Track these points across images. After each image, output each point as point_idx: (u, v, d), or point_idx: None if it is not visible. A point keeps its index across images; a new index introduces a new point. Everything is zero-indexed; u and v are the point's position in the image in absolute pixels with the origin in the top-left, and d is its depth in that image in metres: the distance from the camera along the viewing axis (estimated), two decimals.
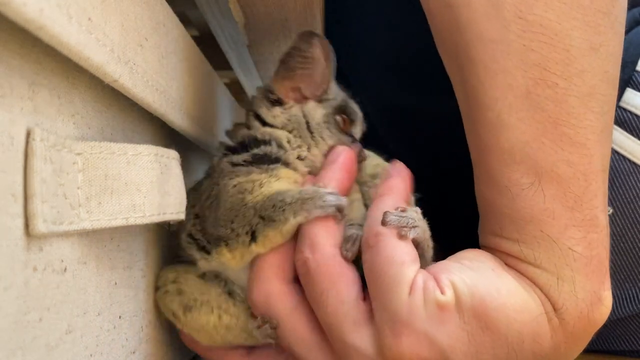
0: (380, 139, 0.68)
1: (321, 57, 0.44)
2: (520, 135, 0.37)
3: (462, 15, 0.37)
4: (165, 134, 0.46)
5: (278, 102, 0.45)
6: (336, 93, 0.47)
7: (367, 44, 0.60)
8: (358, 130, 0.49)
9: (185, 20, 0.74)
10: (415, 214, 0.39)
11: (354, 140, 0.47)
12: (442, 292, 0.36)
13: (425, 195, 0.68)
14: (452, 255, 0.42)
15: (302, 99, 0.46)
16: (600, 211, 0.38)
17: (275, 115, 0.45)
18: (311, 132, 0.45)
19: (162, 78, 0.38)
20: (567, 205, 0.37)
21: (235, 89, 0.91)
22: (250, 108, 0.47)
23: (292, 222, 0.38)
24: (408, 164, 0.68)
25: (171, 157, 0.39)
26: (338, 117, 0.46)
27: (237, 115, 0.72)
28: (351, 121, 0.48)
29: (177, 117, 0.42)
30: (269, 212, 0.39)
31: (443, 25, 0.39)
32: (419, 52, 0.54)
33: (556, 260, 0.37)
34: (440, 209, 0.67)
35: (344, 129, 0.47)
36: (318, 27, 0.54)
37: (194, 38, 0.48)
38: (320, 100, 0.46)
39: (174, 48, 0.41)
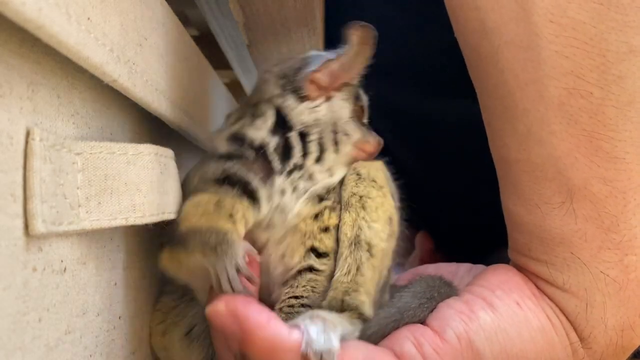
0: (385, 145, 0.67)
1: (355, 40, 0.39)
2: (552, 150, 0.34)
3: (489, 19, 0.34)
4: (162, 132, 0.46)
5: (305, 98, 0.40)
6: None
7: None
8: (366, 116, 0.45)
9: (185, 19, 0.74)
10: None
11: (368, 128, 0.44)
12: (443, 341, 0.35)
13: (433, 203, 0.68)
14: (477, 278, 0.40)
15: (326, 91, 0.41)
16: (639, 230, 0.35)
17: (302, 112, 0.40)
18: (335, 133, 0.41)
19: (161, 78, 0.38)
20: (602, 226, 0.35)
21: (235, 88, 0.91)
22: (262, 99, 0.41)
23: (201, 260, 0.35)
24: (414, 172, 0.67)
25: (169, 156, 0.39)
26: (357, 108, 0.43)
27: None
28: (363, 109, 0.44)
29: (176, 116, 0.42)
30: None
31: (468, 29, 0.37)
32: (425, 55, 0.54)
33: (587, 284, 0.36)
34: (448, 216, 0.67)
35: (360, 120, 0.43)
36: (318, 27, 0.54)
37: (194, 38, 0.48)
38: (341, 89, 0.41)
39: (174, 48, 0.41)
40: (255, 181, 0.38)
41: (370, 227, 0.39)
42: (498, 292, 0.38)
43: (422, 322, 0.38)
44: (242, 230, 0.37)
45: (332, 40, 0.48)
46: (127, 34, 0.32)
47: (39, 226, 0.24)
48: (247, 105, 0.42)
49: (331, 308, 0.38)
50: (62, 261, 0.28)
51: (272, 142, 0.39)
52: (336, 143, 0.41)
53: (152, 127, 0.43)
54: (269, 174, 0.39)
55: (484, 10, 0.34)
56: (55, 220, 0.25)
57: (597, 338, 0.36)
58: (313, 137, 0.40)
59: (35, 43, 0.25)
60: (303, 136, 0.40)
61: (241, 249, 0.35)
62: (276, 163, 0.39)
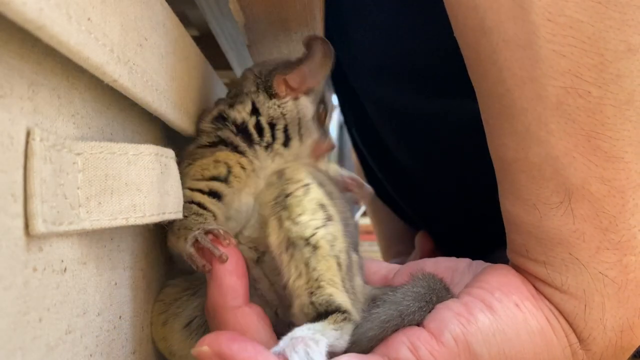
0: (382, 143, 0.67)
1: (319, 52, 0.45)
2: (550, 149, 0.34)
3: (487, 18, 0.34)
4: (163, 132, 0.46)
5: (275, 96, 0.46)
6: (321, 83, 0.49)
7: (369, 45, 0.59)
8: (329, 119, 0.51)
9: (185, 20, 0.74)
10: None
11: (325, 133, 0.49)
12: (440, 344, 0.35)
13: (433, 203, 0.68)
14: (476, 279, 0.40)
15: (295, 92, 0.46)
16: (638, 230, 0.35)
17: (270, 107, 0.46)
18: (300, 127, 0.46)
19: (161, 78, 0.38)
20: (600, 227, 0.34)
21: None
22: (242, 91, 0.47)
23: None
24: (414, 172, 0.67)
25: (169, 157, 0.39)
26: (320, 111, 0.48)
27: None
28: (327, 114, 0.50)
29: (177, 117, 0.42)
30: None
31: (467, 28, 0.36)
32: (424, 55, 0.54)
33: (585, 285, 0.35)
34: (448, 216, 0.67)
35: (322, 123, 0.49)
36: (318, 27, 0.54)
37: (194, 38, 0.48)
38: (308, 92, 0.47)
39: (174, 48, 0.41)
40: (242, 146, 0.45)
41: (297, 223, 0.39)
42: (497, 294, 0.37)
43: (419, 323, 0.38)
44: (241, 174, 0.44)
45: (332, 40, 0.49)
46: (127, 34, 0.32)
47: (39, 226, 0.24)
48: (227, 97, 0.49)
49: (308, 316, 0.37)
50: (62, 261, 0.28)
51: (252, 120, 0.46)
52: (301, 136, 0.47)
53: (152, 127, 0.43)
54: (251, 144, 0.46)
55: (482, 9, 0.34)
56: (56, 220, 0.26)
57: (596, 339, 0.36)
58: (279, 126, 0.46)
59: (36, 43, 0.25)
60: (272, 126, 0.46)
61: (214, 225, 0.40)
62: (255, 136, 0.46)
